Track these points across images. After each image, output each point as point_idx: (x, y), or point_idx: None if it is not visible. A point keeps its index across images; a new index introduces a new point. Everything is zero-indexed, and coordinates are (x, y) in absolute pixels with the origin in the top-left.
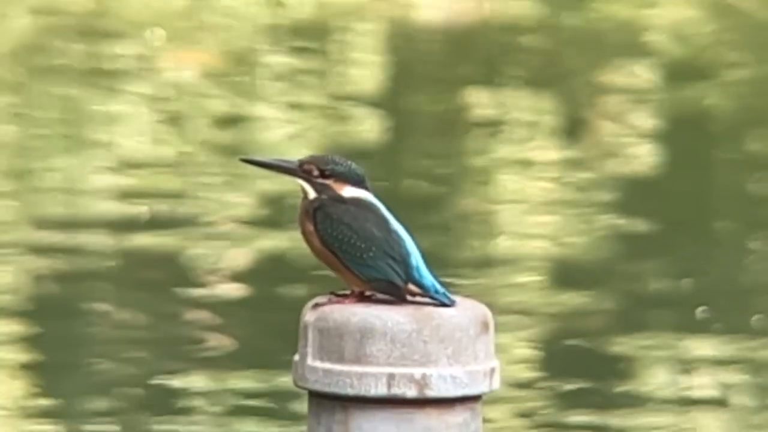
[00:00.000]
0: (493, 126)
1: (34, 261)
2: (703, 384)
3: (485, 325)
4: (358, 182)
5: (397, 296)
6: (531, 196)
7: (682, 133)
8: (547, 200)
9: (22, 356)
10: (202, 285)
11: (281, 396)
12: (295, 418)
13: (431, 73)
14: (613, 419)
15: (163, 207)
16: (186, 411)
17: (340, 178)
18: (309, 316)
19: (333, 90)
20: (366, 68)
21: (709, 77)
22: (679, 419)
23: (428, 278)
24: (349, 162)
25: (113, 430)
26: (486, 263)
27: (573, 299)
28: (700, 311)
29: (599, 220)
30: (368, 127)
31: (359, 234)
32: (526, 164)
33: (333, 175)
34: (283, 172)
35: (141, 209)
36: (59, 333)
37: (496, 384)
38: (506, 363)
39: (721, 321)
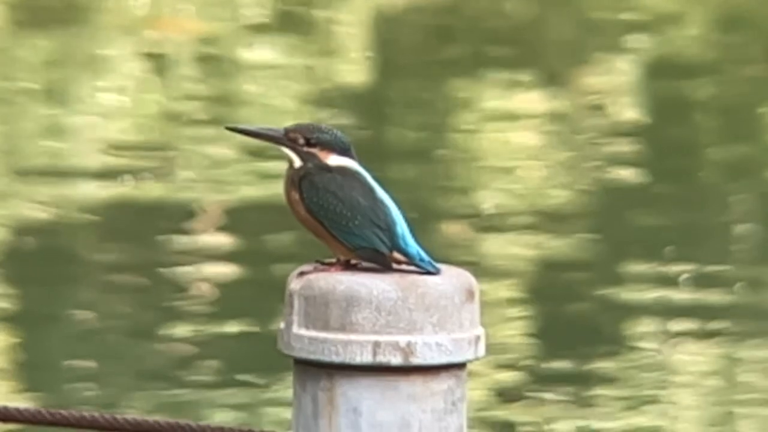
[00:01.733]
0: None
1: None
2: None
3: (470, 293)
4: (344, 151)
5: (382, 264)
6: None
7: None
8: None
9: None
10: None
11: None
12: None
13: (413, 56)
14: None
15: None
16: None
17: (325, 146)
18: (294, 284)
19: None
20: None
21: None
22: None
23: (413, 247)
24: (334, 130)
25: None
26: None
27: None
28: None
29: (587, 172)
30: (354, 74)
31: (345, 202)
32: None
33: (318, 144)
34: (269, 140)
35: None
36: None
37: (482, 351)
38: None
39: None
